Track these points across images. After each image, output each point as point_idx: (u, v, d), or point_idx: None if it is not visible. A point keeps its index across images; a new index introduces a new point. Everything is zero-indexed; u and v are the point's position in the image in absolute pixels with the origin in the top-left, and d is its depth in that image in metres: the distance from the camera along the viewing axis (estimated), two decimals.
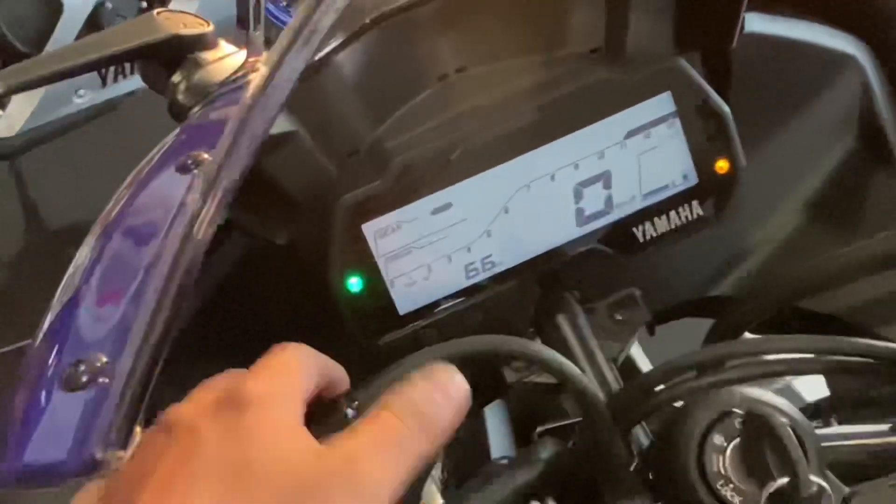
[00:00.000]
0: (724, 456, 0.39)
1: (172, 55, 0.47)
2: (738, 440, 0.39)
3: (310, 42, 0.33)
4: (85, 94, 1.45)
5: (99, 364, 0.27)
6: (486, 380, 0.54)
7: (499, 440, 0.66)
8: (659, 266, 0.57)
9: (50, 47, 1.64)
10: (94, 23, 1.71)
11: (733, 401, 0.40)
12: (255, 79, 0.33)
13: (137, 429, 0.27)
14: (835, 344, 0.43)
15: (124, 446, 0.26)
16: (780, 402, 0.40)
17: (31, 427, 0.27)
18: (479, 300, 0.50)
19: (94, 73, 1.38)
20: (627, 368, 0.58)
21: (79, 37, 1.69)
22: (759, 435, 0.37)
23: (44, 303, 0.36)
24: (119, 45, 0.46)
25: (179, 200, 0.30)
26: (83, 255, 0.35)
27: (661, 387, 0.45)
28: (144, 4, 1.81)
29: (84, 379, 0.26)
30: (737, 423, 0.39)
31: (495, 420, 0.68)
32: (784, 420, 0.37)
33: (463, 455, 0.70)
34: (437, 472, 0.73)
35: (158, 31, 0.46)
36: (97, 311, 0.30)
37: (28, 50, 1.64)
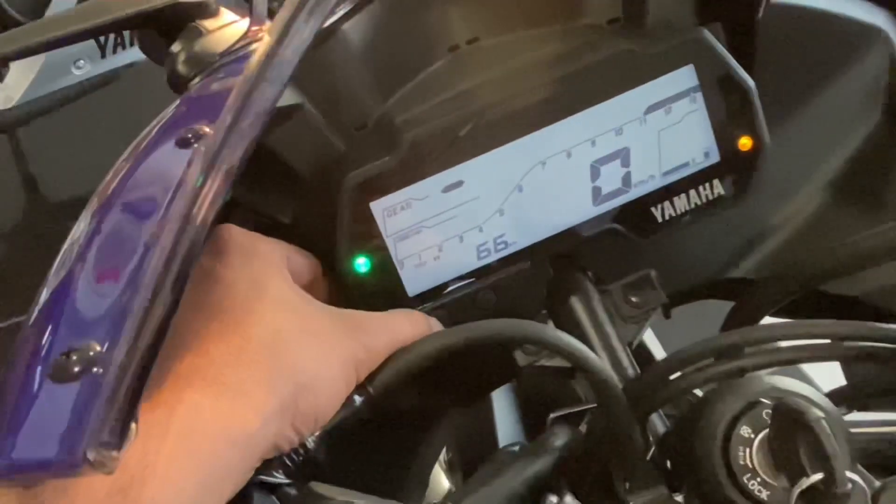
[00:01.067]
0: (751, 448, 0.37)
1: (172, 23, 0.45)
2: (766, 432, 0.37)
3: (319, 9, 0.31)
4: (84, 66, 1.42)
5: (92, 353, 0.25)
6: (495, 363, 0.52)
7: (506, 425, 0.65)
8: (676, 247, 0.55)
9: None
10: None
11: (761, 390, 0.39)
12: (260, 48, 0.30)
13: (133, 425, 0.25)
14: (858, 329, 0.41)
15: (119, 446, 0.24)
16: (811, 391, 0.39)
17: (20, 421, 0.25)
18: (490, 281, 0.48)
19: (93, 44, 1.36)
20: (640, 353, 0.56)
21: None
22: (790, 428, 0.36)
23: (42, 277, 0.34)
24: (116, 12, 0.44)
25: (179, 177, 0.28)
26: (79, 230, 0.33)
27: (680, 373, 0.43)
28: None
29: (76, 370, 0.25)
30: (765, 413, 0.38)
31: (503, 404, 0.66)
32: (819, 413, 0.35)
33: (469, 439, 0.68)
34: (442, 455, 0.72)
35: None
36: (91, 295, 0.28)
37: (26, 19, 1.62)
